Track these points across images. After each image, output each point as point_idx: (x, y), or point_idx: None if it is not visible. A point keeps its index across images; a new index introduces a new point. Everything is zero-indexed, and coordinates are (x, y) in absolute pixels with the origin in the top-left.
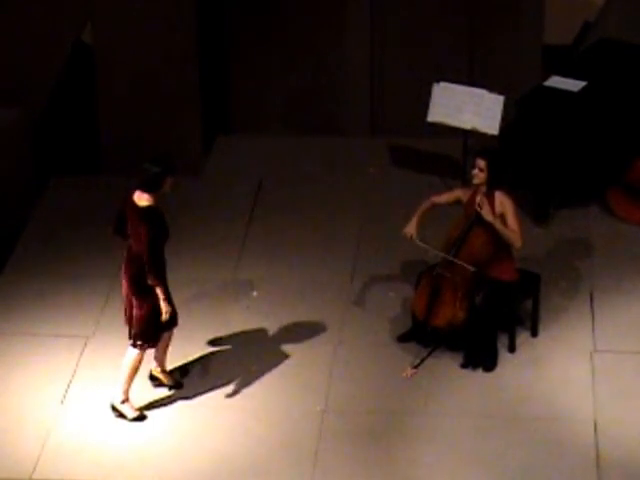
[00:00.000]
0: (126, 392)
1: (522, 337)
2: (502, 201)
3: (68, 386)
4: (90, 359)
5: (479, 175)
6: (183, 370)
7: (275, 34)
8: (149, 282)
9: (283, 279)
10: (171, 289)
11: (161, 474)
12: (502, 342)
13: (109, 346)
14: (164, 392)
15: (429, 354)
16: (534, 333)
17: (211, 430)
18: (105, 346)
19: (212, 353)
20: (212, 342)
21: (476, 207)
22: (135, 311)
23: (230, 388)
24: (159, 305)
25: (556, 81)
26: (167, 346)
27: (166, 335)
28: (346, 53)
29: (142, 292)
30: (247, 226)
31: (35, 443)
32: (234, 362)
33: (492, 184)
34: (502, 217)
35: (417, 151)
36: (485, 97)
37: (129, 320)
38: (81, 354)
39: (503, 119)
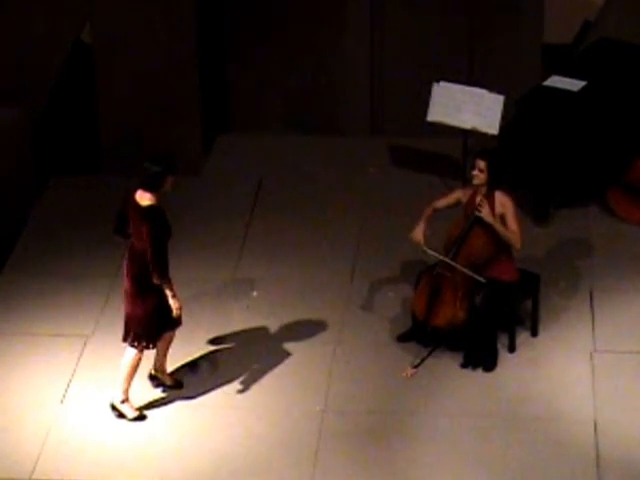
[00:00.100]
0: (126, 392)
1: (522, 337)
2: (502, 202)
3: (68, 386)
4: (90, 359)
5: (479, 176)
6: (192, 366)
7: (275, 34)
8: (154, 281)
9: (283, 279)
10: None
11: (161, 474)
12: (502, 342)
13: (109, 346)
14: (164, 392)
15: (429, 354)
16: (534, 333)
17: (211, 430)
18: (105, 346)
19: (212, 353)
20: (212, 342)
21: (476, 208)
22: (137, 311)
23: (230, 388)
24: (162, 304)
25: (556, 81)
26: (168, 346)
27: (168, 335)
28: (346, 53)
29: (144, 291)
30: (247, 226)
31: (35, 443)
32: (234, 362)
33: (492, 184)
34: (502, 218)
35: (417, 151)
36: (485, 97)
37: (127, 320)
38: (81, 354)
39: (503, 119)
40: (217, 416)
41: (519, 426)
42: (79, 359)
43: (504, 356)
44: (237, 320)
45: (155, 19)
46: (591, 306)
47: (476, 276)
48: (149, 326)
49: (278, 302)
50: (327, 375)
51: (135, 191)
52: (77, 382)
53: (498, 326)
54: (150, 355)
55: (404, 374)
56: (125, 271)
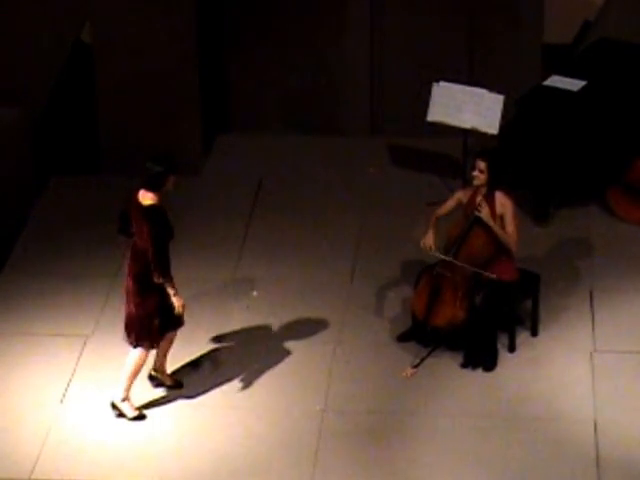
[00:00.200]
0: (127, 390)
1: (522, 337)
2: (503, 203)
3: (68, 386)
4: (90, 359)
5: (479, 176)
6: (192, 366)
7: (275, 34)
8: (155, 280)
9: (283, 279)
10: None
11: (161, 474)
12: (502, 342)
13: (109, 346)
14: (164, 392)
15: (429, 354)
16: (534, 333)
17: (211, 430)
18: (105, 346)
19: (212, 353)
20: (212, 342)
21: (476, 208)
22: (139, 310)
23: (230, 387)
24: (164, 304)
25: (556, 80)
26: (169, 347)
27: (170, 335)
28: (346, 53)
29: (146, 290)
30: (247, 226)
31: (34, 443)
32: (234, 362)
33: (492, 185)
34: (502, 218)
35: (417, 151)
36: (485, 97)
37: (127, 319)
38: (81, 354)
39: (503, 119)
40: (217, 416)
41: (519, 426)
42: (79, 359)
43: (504, 356)
44: (237, 320)
45: (155, 19)
46: (591, 306)
47: (486, 273)
48: (151, 326)
49: (278, 302)
50: (327, 375)
51: (137, 191)
52: (77, 382)
53: (498, 326)
54: (150, 355)
55: (404, 374)
56: (127, 270)
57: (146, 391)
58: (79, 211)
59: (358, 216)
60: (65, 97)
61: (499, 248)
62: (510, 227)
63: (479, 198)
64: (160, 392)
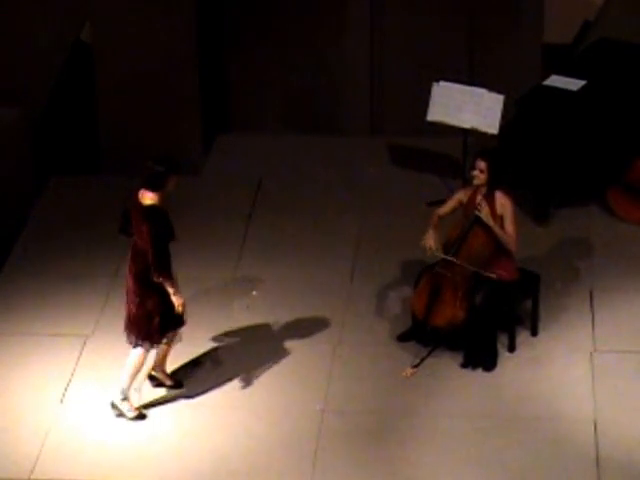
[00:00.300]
0: (127, 390)
1: (522, 337)
2: (503, 203)
3: (67, 386)
4: (89, 359)
5: (479, 176)
6: (192, 365)
7: (275, 34)
8: (154, 279)
9: (283, 279)
10: None
11: (161, 473)
12: (502, 342)
13: (108, 346)
14: (164, 392)
15: (429, 354)
16: (534, 333)
17: (211, 430)
18: (104, 346)
19: (212, 352)
20: (212, 342)
21: (476, 208)
22: (139, 309)
23: (230, 387)
24: (165, 303)
25: (556, 80)
26: (170, 347)
27: (171, 335)
28: (346, 53)
29: (147, 290)
30: (247, 226)
31: (34, 443)
32: (234, 361)
33: (492, 184)
34: (502, 218)
35: (417, 151)
36: (485, 96)
37: (128, 319)
38: (80, 353)
39: (503, 118)
40: (217, 416)
41: (519, 426)
42: (79, 359)
43: (504, 356)
44: (237, 320)
45: (155, 19)
46: (591, 306)
47: (486, 273)
48: (151, 326)
49: (278, 302)
50: (327, 375)
51: (138, 190)
52: (77, 382)
53: (498, 326)
54: (150, 355)
55: (404, 374)
56: (127, 270)
57: (146, 391)
58: (79, 211)
59: (358, 216)
60: (65, 97)
61: (499, 248)
62: (510, 227)
63: (479, 198)
64: (160, 392)
